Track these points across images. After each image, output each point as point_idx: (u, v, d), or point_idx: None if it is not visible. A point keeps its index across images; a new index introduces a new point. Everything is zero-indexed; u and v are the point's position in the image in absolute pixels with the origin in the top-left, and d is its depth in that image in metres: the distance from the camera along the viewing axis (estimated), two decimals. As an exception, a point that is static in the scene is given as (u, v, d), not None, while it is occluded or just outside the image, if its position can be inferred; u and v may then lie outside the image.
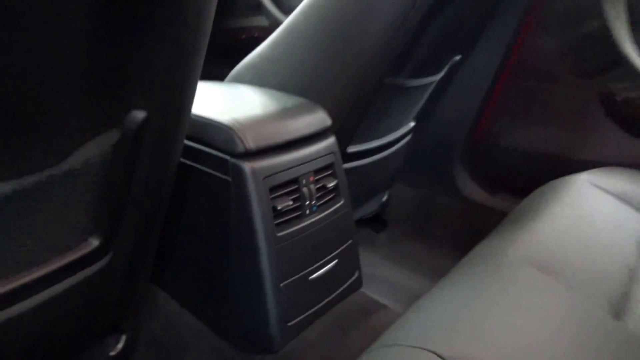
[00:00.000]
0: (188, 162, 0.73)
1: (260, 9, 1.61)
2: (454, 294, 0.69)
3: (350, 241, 0.85)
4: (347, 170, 0.89)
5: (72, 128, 0.51)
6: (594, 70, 1.22)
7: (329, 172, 0.82)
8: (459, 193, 1.42)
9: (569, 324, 0.67)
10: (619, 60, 1.17)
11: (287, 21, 0.90)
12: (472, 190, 1.41)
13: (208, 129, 0.70)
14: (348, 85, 0.87)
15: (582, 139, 1.27)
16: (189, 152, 0.72)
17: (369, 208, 1.38)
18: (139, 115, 0.55)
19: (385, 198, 1.43)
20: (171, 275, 0.84)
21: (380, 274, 1.25)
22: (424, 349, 0.55)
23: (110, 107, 0.53)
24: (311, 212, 0.78)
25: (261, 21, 1.64)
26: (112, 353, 0.82)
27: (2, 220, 0.51)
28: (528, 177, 1.16)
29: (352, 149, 1.01)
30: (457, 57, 1.16)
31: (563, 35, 1.24)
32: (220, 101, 0.78)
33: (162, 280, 0.85)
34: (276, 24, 1.58)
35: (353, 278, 0.87)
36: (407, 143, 1.27)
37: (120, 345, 0.82)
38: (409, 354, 0.55)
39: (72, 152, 0.53)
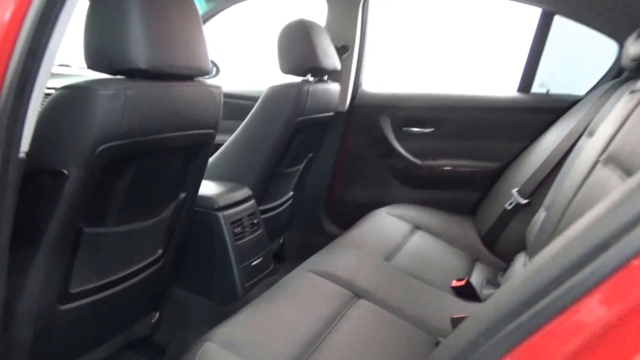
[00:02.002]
0: (196, 210, 1.58)
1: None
2: (313, 261, 1.60)
3: (266, 249, 1.75)
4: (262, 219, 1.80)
5: (165, 203, 1.36)
6: (383, 154, 2.28)
7: (253, 216, 1.72)
8: (325, 231, 2.36)
9: (364, 262, 1.60)
10: (392, 149, 2.24)
11: (224, 146, 1.82)
12: (331, 229, 2.37)
13: (203, 199, 1.57)
14: (258, 174, 1.80)
15: (383, 191, 2.31)
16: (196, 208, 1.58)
17: (273, 247, 2.26)
18: (182, 195, 1.41)
19: (281, 241, 2.32)
20: (179, 272, 1.65)
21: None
22: (304, 269, 1.45)
23: (175, 193, 1.39)
24: (248, 234, 1.67)
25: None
26: (153, 320, 1.60)
27: (140, 239, 1.33)
28: (359, 214, 2.12)
29: (261, 207, 1.91)
30: (311, 154, 2.14)
31: (366, 137, 2.30)
32: (203, 187, 1.66)
33: (180, 280, 1.66)
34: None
35: (270, 268, 1.76)
36: (290, 205, 2.19)
37: (157, 315, 1.60)
38: (298, 272, 1.45)
39: (163, 211, 1.37)
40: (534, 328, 0.52)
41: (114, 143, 1.00)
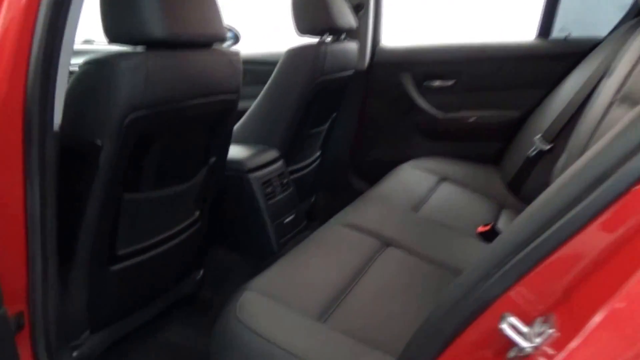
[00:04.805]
0: (227, 174, 1.65)
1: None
2: (342, 215, 1.67)
3: (297, 207, 1.83)
4: (292, 179, 1.88)
5: (196, 168, 1.43)
6: (405, 110, 2.31)
7: (283, 176, 1.80)
8: (353, 188, 2.43)
9: (392, 213, 1.67)
10: (414, 104, 2.27)
11: (249, 111, 1.89)
12: (359, 185, 2.42)
13: (233, 162, 1.65)
14: (283, 136, 1.86)
15: (407, 146, 2.35)
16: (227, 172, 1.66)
17: (305, 206, 2.33)
18: (213, 159, 1.49)
19: (313, 199, 2.40)
20: (218, 233, 1.75)
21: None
22: (334, 223, 1.53)
23: (205, 158, 1.46)
24: (279, 194, 1.74)
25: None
26: (198, 277, 1.70)
27: (176, 202, 1.42)
28: (385, 170, 2.17)
29: (290, 168, 1.98)
30: (334, 114, 2.19)
31: (387, 94, 2.33)
32: (232, 151, 1.73)
33: (219, 240, 1.76)
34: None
35: (303, 224, 1.84)
36: (317, 165, 2.26)
37: (200, 273, 1.71)
38: (328, 226, 1.52)
39: (196, 175, 1.45)
40: (539, 258, 0.56)
41: (140, 113, 1.06)
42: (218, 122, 1.39)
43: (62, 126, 0.86)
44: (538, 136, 1.88)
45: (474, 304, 0.59)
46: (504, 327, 0.50)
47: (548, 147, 1.83)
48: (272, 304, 1.06)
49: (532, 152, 1.89)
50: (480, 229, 1.62)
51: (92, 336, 1.28)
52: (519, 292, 0.55)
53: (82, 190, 1.08)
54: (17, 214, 0.83)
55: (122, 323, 1.39)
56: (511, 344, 0.52)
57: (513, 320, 0.51)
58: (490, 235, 1.60)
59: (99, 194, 1.09)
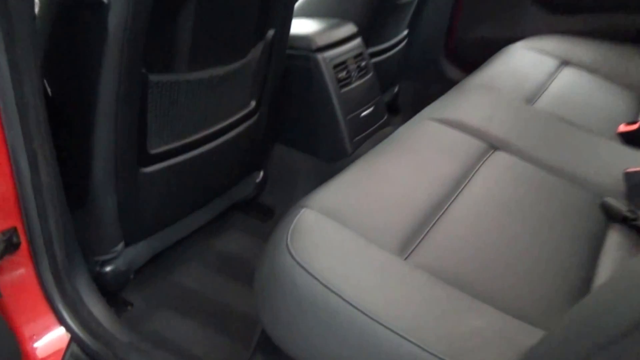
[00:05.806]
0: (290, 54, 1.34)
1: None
2: (435, 107, 1.31)
3: (378, 97, 1.49)
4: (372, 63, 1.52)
5: (249, 42, 1.12)
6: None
7: (361, 57, 1.44)
8: (446, 77, 2.03)
9: (500, 106, 1.29)
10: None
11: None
12: (454, 74, 2.02)
13: (297, 39, 1.32)
14: (362, 7, 1.49)
15: (519, 22, 1.88)
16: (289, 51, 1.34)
17: (386, 97, 1.98)
18: (271, 32, 1.17)
19: (396, 90, 2.04)
20: (281, 128, 1.47)
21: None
22: (424, 118, 1.18)
23: (261, 30, 1.14)
24: (355, 80, 1.40)
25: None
26: (257, 180, 1.46)
27: (224, 88, 1.13)
28: (488, 54, 1.76)
29: (369, 50, 1.62)
30: (428, -20, 1.76)
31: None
32: (296, 26, 1.39)
33: (282, 137, 1.49)
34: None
35: (384, 118, 1.51)
36: (404, 46, 1.87)
37: (260, 176, 1.46)
38: (416, 121, 1.18)
39: (247, 53, 1.14)
40: None
41: None
42: None
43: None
44: None
45: None
46: None
47: None
48: (336, 230, 0.77)
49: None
50: (623, 127, 1.21)
51: (127, 249, 1.08)
52: None
53: (92, 68, 0.84)
54: None
55: (165, 233, 1.18)
56: None
57: None
58: (637, 138, 1.19)
59: (114, 73, 0.84)
